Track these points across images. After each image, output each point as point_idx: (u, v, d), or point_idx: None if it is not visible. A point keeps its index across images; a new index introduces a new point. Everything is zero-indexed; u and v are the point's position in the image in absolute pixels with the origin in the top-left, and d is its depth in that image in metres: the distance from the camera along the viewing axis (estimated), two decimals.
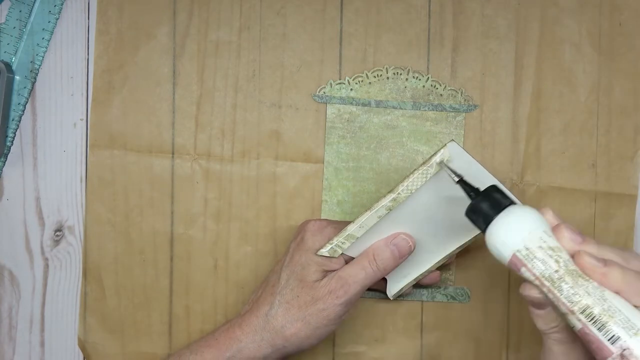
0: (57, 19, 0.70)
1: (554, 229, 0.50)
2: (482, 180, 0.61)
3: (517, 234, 0.49)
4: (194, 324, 0.71)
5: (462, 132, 0.71)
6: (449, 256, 0.65)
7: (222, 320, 0.70)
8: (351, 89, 0.70)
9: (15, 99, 0.69)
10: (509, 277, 0.72)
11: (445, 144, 0.59)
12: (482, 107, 0.71)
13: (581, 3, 0.71)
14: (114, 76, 0.70)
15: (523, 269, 0.49)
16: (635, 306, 0.47)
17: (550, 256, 0.48)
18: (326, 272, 0.61)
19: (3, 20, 0.69)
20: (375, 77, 0.70)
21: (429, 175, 0.59)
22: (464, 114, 0.71)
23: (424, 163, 0.59)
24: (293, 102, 0.70)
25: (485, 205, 0.52)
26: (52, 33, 0.70)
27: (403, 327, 0.72)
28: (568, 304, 0.47)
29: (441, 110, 0.71)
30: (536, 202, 0.71)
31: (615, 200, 0.72)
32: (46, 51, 0.70)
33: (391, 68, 0.70)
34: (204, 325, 0.71)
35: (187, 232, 0.70)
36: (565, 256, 0.49)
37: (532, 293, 0.50)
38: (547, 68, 0.71)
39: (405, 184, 0.59)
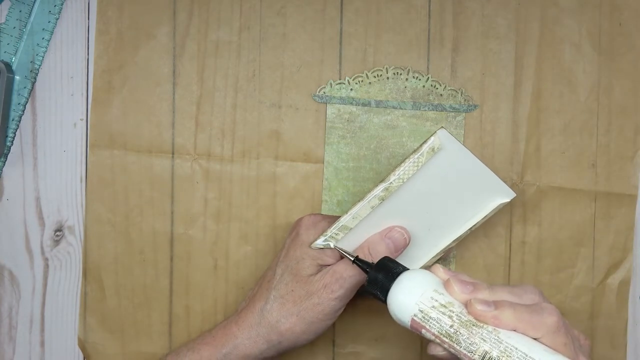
0: (57, 19, 0.70)
1: (445, 284, 0.52)
2: (473, 167, 0.61)
3: (410, 299, 0.52)
4: (194, 323, 0.71)
5: (462, 132, 0.71)
6: (444, 251, 0.65)
7: (222, 320, 0.70)
8: (351, 89, 0.70)
9: (15, 99, 0.69)
10: (508, 277, 0.72)
11: (435, 132, 0.59)
12: (482, 107, 0.71)
13: (581, 3, 0.71)
14: (114, 76, 0.70)
15: (423, 331, 0.51)
16: (535, 338, 0.49)
17: (444, 313, 0.50)
18: (321, 267, 0.61)
19: (3, 20, 0.69)
20: (375, 77, 0.70)
21: (420, 164, 0.59)
22: (464, 114, 0.71)
23: (415, 151, 0.59)
24: (293, 102, 0.70)
25: (380, 276, 0.55)
26: (52, 33, 0.70)
27: (403, 327, 0.71)
28: (468, 354, 0.49)
29: (441, 110, 0.71)
30: (536, 202, 0.71)
31: (615, 200, 0.72)
32: (46, 51, 0.70)
33: (391, 68, 0.70)
34: (204, 325, 0.71)
35: (187, 232, 0.70)
36: (458, 309, 0.50)
37: (437, 352, 0.51)
38: (547, 68, 0.71)
39: (397, 173, 0.59)
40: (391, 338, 0.72)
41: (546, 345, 0.49)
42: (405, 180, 0.60)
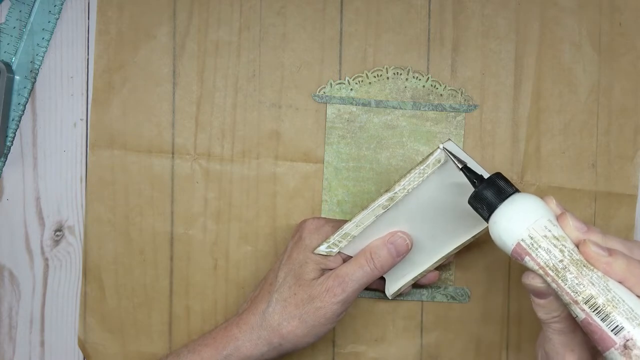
0: (57, 19, 0.70)
1: (559, 218, 0.50)
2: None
3: (521, 222, 0.49)
4: (194, 324, 0.71)
5: (462, 132, 0.71)
6: (447, 256, 0.65)
7: (222, 320, 0.70)
8: (351, 89, 0.70)
9: (15, 99, 0.69)
10: (508, 277, 0.72)
11: (442, 144, 0.59)
12: (482, 107, 0.71)
13: (581, 3, 0.71)
14: (114, 76, 0.70)
15: (527, 258, 0.49)
16: (639, 296, 0.47)
17: (555, 245, 0.48)
18: (323, 271, 0.61)
19: (3, 20, 0.69)
20: (375, 77, 0.70)
21: (425, 175, 0.59)
22: (464, 114, 0.71)
23: (421, 162, 0.59)
24: (293, 102, 0.70)
25: (489, 193, 0.51)
26: (52, 33, 0.70)
27: (403, 327, 0.72)
28: (572, 294, 0.47)
29: (441, 110, 0.71)
30: None
31: (615, 200, 0.72)
32: (46, 51, 0.70)
33: (391, 68, 0.70)
34: (204, 325, 0.71)
35: (187, 232, 0.70)
36: (570, 245, 0.48)
37: (535, 282, 0.50)
38: (547, 68, 0.71)
39: (402, 183, 0.59)
40: (391, 338, 0.72)
41: None
42: (409, 191, 0.60)
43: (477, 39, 0.71)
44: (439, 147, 0.58)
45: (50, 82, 0.70)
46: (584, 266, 0.48)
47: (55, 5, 0.69)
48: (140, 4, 0.70)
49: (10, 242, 0.70)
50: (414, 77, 0.71)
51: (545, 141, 0.71)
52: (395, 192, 0.59)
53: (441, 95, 0.71)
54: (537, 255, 0.48)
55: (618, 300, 0.46)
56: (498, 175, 0.53)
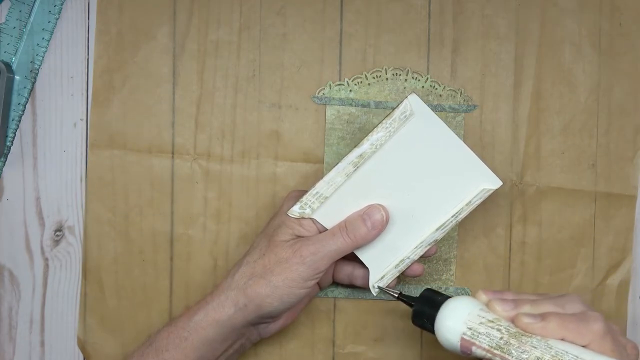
0: (57, 19, 0.70)
1: (488, 306, 0.54)
2: (449, 143, 0.61)
3: (458, 319, 0.54)
4: None
5: (462, 132, 0.71)
6: (429, 242, 0.63)
7: None
8: (350, 90, 0.70)
9: (15, 99, 0.69)
10: (508, 277, 0.72)
11: (407, 96, 0.59)
12: (482, 108, 0.71)
13: (581, 3, 0.71)
14: (114, 76, 0.70)
15: (474, 348, 0.53)
16: (583, 346, 0.51)
17: (492, 327, 0.52)
18: (297, 237, 0.61)
19: (3, 20, 0.69)
20: (374, 78, 0.70)
21: (392, 130, 0.59)
22: (463, 114, 0.71)
23: (387, 116, 0.59)
24: (293, 102, 0.70)
25: (425, 308, 0.57)
26: (52, 33, 0.70)
27: (403, 327, 0.72)
28: None
29: (440, 111, 0.70)
30: (536, 203, 0.71)
31: (615, 200, 0.72)
32: (46, 51, 0.70)
33: (390, 69, 0.70)
34: None
35: (187, 232, 0.70)
36: (505, 323, 0.53)
37: None
38: (547, 68, 0.71)
39: (370, 138, 0.60)
40: (391, 338, 0.72)
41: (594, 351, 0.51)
42: (378, 147, 0.59)
43: (477, 39, 0.71)
44: (404, 100, 0.59)
45: (50, 82, 0.70)
46: (523, 335, 0.51)
47: (55, 5, 0.69)
48: (140, 4, 0.70)
49: (10, 242, 0.70)
50: (413, 77, 0.71)
51: (545, 141, 0.71)
52: (364, 149, 0.60)
53: (440, 95, 0.71)
54: (480, 341, 0.52)
55: (562, 352, 0.50)
56: (428, 290, 0.59)
